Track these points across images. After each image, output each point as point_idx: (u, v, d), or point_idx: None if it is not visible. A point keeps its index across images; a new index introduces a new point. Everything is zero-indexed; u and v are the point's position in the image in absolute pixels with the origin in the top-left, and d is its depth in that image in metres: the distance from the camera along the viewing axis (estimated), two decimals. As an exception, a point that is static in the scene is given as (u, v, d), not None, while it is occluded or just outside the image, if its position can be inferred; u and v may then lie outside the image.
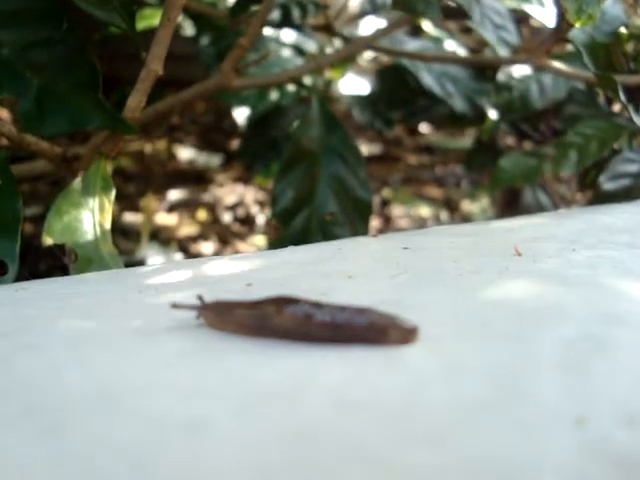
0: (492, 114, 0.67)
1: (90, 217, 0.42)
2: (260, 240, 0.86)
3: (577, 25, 0.45)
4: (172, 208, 0.90)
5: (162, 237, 0.83)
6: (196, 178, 0.99)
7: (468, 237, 0.32)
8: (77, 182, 0.43)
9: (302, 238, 0.55)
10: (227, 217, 0.92)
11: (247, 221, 0.92)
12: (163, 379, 0.19)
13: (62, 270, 0.81)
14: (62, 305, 0.24)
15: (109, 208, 0.43)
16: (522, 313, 0.23)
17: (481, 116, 0.71)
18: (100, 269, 0.41)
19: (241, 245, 0.84)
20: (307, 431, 0.17)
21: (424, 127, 1.24)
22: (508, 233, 0.34)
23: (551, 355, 0.20)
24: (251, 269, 0.28)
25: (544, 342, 0.21)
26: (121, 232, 0.81)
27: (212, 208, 0.92)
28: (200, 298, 0.23)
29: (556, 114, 0.67)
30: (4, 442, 0.17)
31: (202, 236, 0.85)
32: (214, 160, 1.05)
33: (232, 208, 0.93)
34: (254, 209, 0.93)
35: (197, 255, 0.81)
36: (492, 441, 0.16)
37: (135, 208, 0.87)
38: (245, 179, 0.98)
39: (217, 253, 0.82)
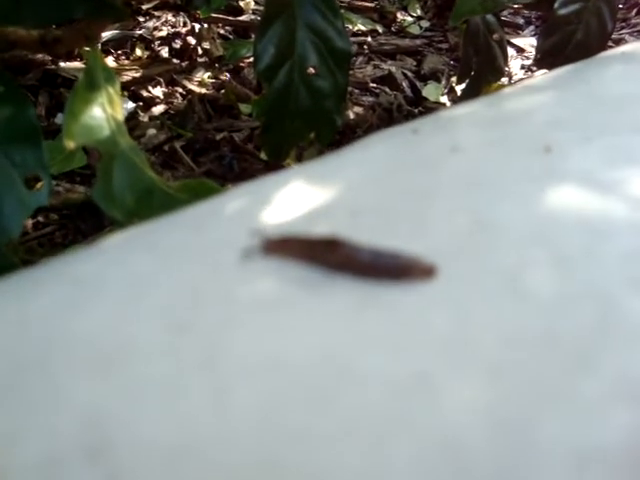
0: None
1: (101, 112, 0.42)
2: (207, 77, 0.84)
3: None
4: (106, 50, 0.84)
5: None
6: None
7: (488, 130, 0.35)
8: (81, 79, 0.41)
9: (285, 92, 0.56)
10: (164, 52, 0.88)
11: (185, 54, 0.88)
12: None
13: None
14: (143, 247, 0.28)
15: (117, 99, 0.43)
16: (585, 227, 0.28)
17: None
18: (123, 163, 0.42)
19: (189, 84, 0.82)
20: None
21: None
22: (524, 117, 0.37)
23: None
24: (339, 195, 0.30)
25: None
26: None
27: (148, 44, 0.87)
28: (261, 234, 0.27)
29: None
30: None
31: (147, 78, 0.82)
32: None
33: (167, 41, 0.89)
34: (191, 40, 0.89)
35: (149, 100, 0.79)
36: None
37: (68, 56, 0.81)
38: (175, 8, 0.92)
39: (167, 95, 0.81)
